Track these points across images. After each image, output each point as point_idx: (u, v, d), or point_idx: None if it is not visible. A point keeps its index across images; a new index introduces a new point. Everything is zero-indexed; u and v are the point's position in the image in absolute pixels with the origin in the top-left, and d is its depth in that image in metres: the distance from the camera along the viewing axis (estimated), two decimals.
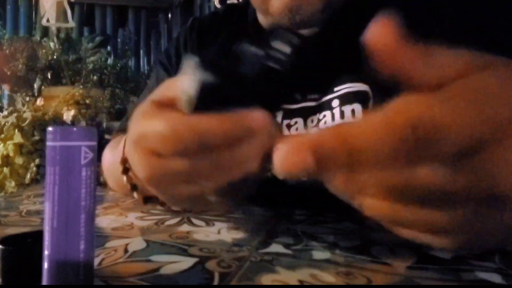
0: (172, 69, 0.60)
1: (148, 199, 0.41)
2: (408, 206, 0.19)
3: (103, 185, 0.55)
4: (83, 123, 1.54)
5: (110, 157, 0.51)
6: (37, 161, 1.42)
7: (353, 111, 0.42)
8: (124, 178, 0.36)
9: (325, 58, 0.25)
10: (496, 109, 0.17)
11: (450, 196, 0.18)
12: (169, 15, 3.01)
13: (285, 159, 0.18)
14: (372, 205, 0.19)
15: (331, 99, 0.44)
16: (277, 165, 0.19)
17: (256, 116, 0.23)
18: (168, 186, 0.26)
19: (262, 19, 0.53)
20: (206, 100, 0.24)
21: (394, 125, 0.17)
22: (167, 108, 0.25)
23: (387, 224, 0.21)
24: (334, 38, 0.48)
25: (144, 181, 0.26)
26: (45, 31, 2.13)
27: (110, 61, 2.02)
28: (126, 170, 0.38)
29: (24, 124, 1.45)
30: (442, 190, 0.18)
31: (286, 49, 0.23)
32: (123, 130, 0.61)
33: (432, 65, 0.19)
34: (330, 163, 0.18)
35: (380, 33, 0.19)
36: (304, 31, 0.50)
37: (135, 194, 0.40)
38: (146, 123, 0.25)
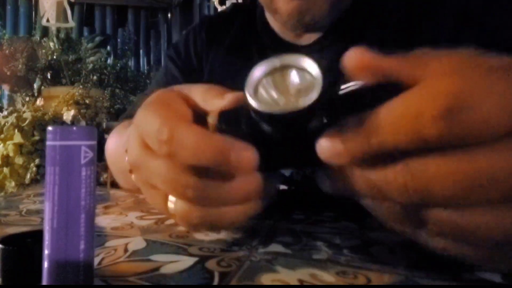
0: (181, 63, 0.60)
1: None
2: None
3: (103, 184, 0.55)
4: (83, 123, 1.54)
5: (114, 144, 0.50)
6: (37, 161, 1.42)
7: None
8: (133, 176, 0.36)
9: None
10: None
11: None
12: (169, 15, 3.01)
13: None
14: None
15: None
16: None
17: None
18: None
19: (270, 19, 0.54)
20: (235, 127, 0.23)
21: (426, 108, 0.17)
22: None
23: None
24: (333, 44, 0.48)
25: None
26: (45, 31, 2.12)
27: (110, 61, 2.02)
28: None
29: (24, 124, 1.45)
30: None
31: (267, 128, 0.22)
32: (131, 116, 0.61)
33: (416, 63, 0.19)
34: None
35: (355, 53, 0.19)
36: (305, 39, 0.50)
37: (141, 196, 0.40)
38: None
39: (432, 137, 0.16)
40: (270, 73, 0.21)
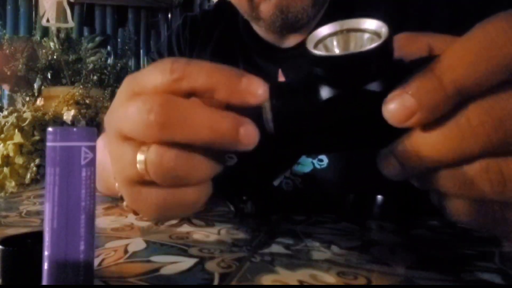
0: None
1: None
2: None
3: None
4: (83, 123, 1.54)
5: (100, 153, 0.49)
6: (37, 161, 1.42)
7: None
8: (117, 184, 0.34)
9: None
10: None
11: None
12: (169, 15, 3.01)
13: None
14: None
15: None
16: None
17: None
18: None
19: (253, 24, 0.53)
20: None
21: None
22: None
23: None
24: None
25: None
26: (45, 31, 2.12)
27: (110, 61, 2.02)
28: None
29: (24, 124, 1.45)
30: None
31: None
32: None
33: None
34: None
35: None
36: (290, 41, 0.50)
37: (124, 204, 0.39)
38: None
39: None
40: (332, 34, 0.20)
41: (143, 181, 0.21)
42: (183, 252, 0.27)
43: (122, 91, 0.22)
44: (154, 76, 0.21)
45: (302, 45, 0.50)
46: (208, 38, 0.57)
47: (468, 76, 0.16)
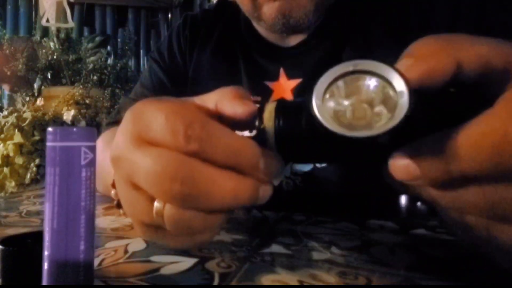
0: (165, 65, 0.59)
1: None
2: None
3: None
4: (83, 123, 1.53)
5: (100, 154, 0.49)
6: (37, 161, 1.42)
7: None
8: (113, 191, 0.34)
9: None
10: None
11: None
12: (169, 15, 3.01)
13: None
14: None
15: None
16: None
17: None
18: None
19: (254, 23, 0.53)
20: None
21: None
22: None
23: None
24: (320, 45, 0.48)
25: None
26: (45, 31, 2.12)
27: (110, 61, 2.02)
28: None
29: (24, 124, 1.45)
30: None
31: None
32: (116, 123, 0.60)
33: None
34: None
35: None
36: (291, 40, 0.50)
37: (121, 211, 0.39)
38: None
39: None
40: (341, 76, 0.18)
41: (158, 226, 0.21)
42: (183, 252, 0.27)
43: (127, 130, 0.21)
44: (164, 132, 0.19)
45: (304, 44, 0.50)
46: (208, 38, 0.57)
47: (476, 170, 0.16)
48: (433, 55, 0.17)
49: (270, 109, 0.20)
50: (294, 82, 0.49)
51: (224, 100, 0.21)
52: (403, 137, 0.18)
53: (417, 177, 0.17)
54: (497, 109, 0.16)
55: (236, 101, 0.21)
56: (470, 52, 0.17)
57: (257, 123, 0.21)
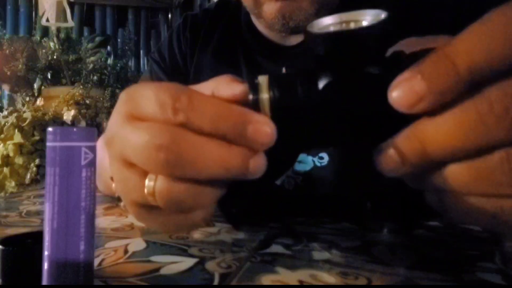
0: (165, 65, 0.59)
1: None
2: None
3: None
4: (83, 123, 1.53)
5: (100, 153, 0.49)
6: (37, 161, 1.42)
7: None
8: (113, 185, 0.34)
9: None
10: None
11: None
12: (169, 15, 3.01)
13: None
14: None
15: None
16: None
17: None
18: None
19: (255, 21, 0.53)
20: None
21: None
22: None
23: None
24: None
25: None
26: (45, 31, 2.12)
27: (110, 61, 2.02)
28: None
29: (24, 124, 1.45)
30: None
31: None
32: None
33: None
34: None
35: None
36: (293, 40, 0.50)
37: (122, 205, 0.39)
38: None
39: None
40: (331, 25, 0.20)
41: (150, 205, 0.21)
42: (183, 252, 0.27)
43: (120, 110, 0.21)
44: (153, 107, 0.20)
45: (305, 43, 0.50)
46: (209, 38, 0.57)
47: (484, 58, 0.15)
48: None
49: (263, 79, 0.20)
50: None
51: (221, 84, 0.21)
52: (393, 66, 0.18)
53: (423, 93, 0.16)
54: (490, 13, 0.16)
55: (233, 83, 0.21)
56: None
57: (250, 96, 0.20)
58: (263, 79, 0.20)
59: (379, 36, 0.18)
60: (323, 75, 0.19)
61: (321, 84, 0.19)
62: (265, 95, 0.20)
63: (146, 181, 0.20)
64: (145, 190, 0.20)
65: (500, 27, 0.15)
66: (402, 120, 0.17)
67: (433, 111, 0.16)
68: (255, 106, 0.20)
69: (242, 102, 0.20)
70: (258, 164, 0.19)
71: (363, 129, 0.20)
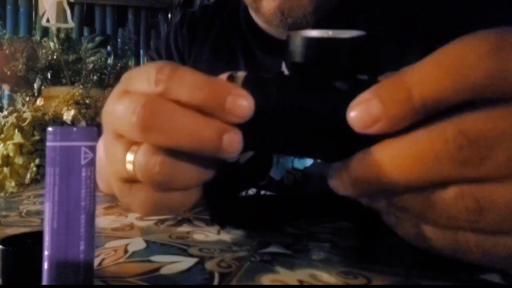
0: None
1: None
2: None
3: None
4: (83, 123, 1.53)
5: (101, 151, 0.49)
6: (37, 161, 1.41)
7: None
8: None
9: None
10: None
11: None
12: (169, 15, 3.01)
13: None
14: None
15: None
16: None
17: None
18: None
19: (254, 16, 0.52)
20: None
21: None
22: None
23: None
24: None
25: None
26: (45, 31, 2.12)
27: (110, 61, 2.02)
28: None
29: (24, 124, 1.45)
30: None
31: None
32: None
33: None
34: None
35: None
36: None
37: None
38: None
39: (480, 79, 0.15)
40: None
41: (132, 180, 0.22)
42: (183, 252, 0.27)
43: (117, 87, 0.23)
44: (141, 81, 0.21)
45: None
46: (207, 34, 0.57)
47: (436, 91, 0.15)
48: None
49: (240, 75, 0.21)
50: None
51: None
52: (361, 85, 0.18)
53: (378, 116, 0.16)
54: (449, 45, 0.16)
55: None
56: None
57: None
58: (240, 75, 0.21)
59: (355, 52, 0.19)
60: (294, 82, 0.20)
61: (291, 89, 0.20)
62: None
63: (128, 153, 0.21)
64: (126, 161, 0.21)
65: (455, 62, 0.15)
66: (363, 140, 0.17)
67: (390, 135, 0.17)
68: None
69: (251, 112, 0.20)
70: (232, 141, 0.19)
71: (323, 143, 0.20)
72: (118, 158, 0.22)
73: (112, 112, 0.22)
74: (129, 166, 0.21)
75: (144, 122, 0.19)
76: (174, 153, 0.20)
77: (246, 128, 0.20)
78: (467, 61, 0.15)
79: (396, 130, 0.16)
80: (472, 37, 0.16)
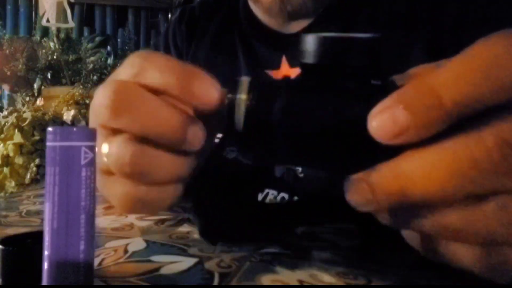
0: None
1: None
2: None
3: None
4: (83, 123, 1.53)
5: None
6: (37, 161, 1.41)
7: None
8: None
9: None
10: None
11: None
12: (169, 15, 3.01)
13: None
14: None
15: None
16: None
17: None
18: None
19: (254, 8, 0.52)
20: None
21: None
22: None
23: None
24: (325, 31, 0.47)
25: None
26: (45, 31, 2.12)
27: (110, 61, 2.02)
28: None
29: (24, 124, 1.45)
30: None
31: None
32: None
33: None
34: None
35: None
36: (293, 27, 0.49)
37: None
38: None
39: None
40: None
41: (109, 172, 0.22)
42: (183, 252, 0.27)
43: (108, 79, 0.24)
44: (125, 69, 0.22)
45: (307, 30, 0.49)
46: (206, 29, 0.56)
47: (469, 94, 0.14)
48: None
49: (245, 81, 0.20)
50: (297, 70, 0.48)
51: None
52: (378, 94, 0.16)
53: (406, 125, 0.15)
54: (476, 45, 0.15)
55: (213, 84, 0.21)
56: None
57: (229, 95, 0.20)
58: (245, 80, 0.19)
59: (372, 53, 0.18)
60: (305, 87, 0.19)
61: (301, 96, 0.18)
62: (243, 96, 0.19)
63: (103, 144, 0.21)
64: (102, 151, 0.21)
65: (487, 62, 0.14)
66: (383, 150, 0.16)
67: (414, 146, 0.15)
68: (231, 105, 0.19)
69: (219, 101, 0.20)
70: (196, 133, 0.19)
71: (340, 153, 0.18)
72: (99, 147, 0.21)
73: (94, 100, 0.22)
74: (104, 153, 0.21)
75: (114, 106, 0.20)
76: (148, 145, 0.20)
77: (251, 138, 0.19)
78: (501, 61, 0.14)
79: (423, 139, 0.15)
80: (500, 36, 0.15)
